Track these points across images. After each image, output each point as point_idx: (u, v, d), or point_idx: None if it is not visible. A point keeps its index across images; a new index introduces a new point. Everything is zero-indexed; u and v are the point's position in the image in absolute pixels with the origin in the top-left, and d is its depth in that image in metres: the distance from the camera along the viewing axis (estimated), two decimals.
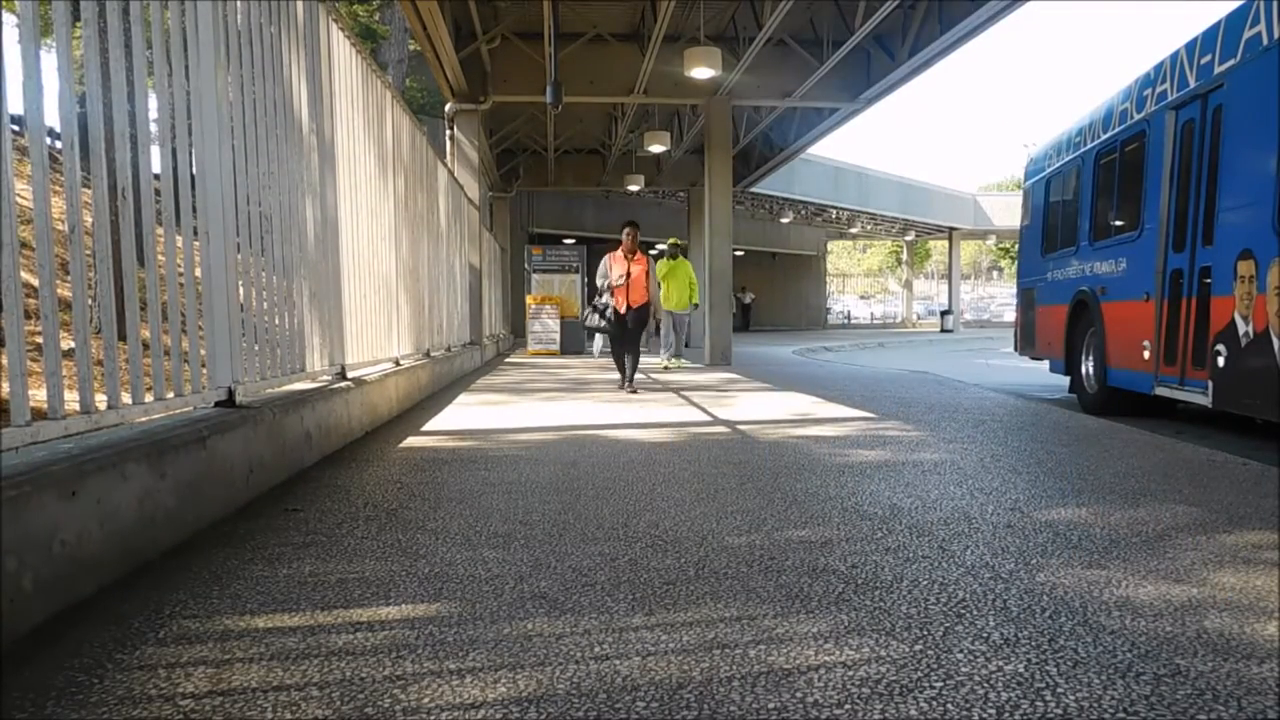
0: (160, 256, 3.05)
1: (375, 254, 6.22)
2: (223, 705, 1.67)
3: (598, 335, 8.75)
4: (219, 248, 3.41)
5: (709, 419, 6.42)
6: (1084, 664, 1.86)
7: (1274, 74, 5.24)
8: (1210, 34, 6.13)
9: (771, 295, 40.02)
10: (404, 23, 18.90)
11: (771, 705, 1.67)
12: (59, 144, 2.75)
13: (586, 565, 2.59)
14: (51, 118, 9.13)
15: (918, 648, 1.95)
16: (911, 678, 1.79)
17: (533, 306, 17.05)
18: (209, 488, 3.05)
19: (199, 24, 3.32)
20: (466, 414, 6.68)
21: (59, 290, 2.63)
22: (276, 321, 4.09)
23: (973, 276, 76.89)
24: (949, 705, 1.67)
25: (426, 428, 5.83)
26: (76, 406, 2.48)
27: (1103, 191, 7.94)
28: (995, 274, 79.56)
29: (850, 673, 1.82)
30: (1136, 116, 7.20)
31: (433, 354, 8.70)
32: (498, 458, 4.59)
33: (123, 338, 2.80)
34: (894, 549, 2.77)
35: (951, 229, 37.89)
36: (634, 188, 22.18)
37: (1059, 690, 1.73)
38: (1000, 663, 1.87)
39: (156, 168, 3.09)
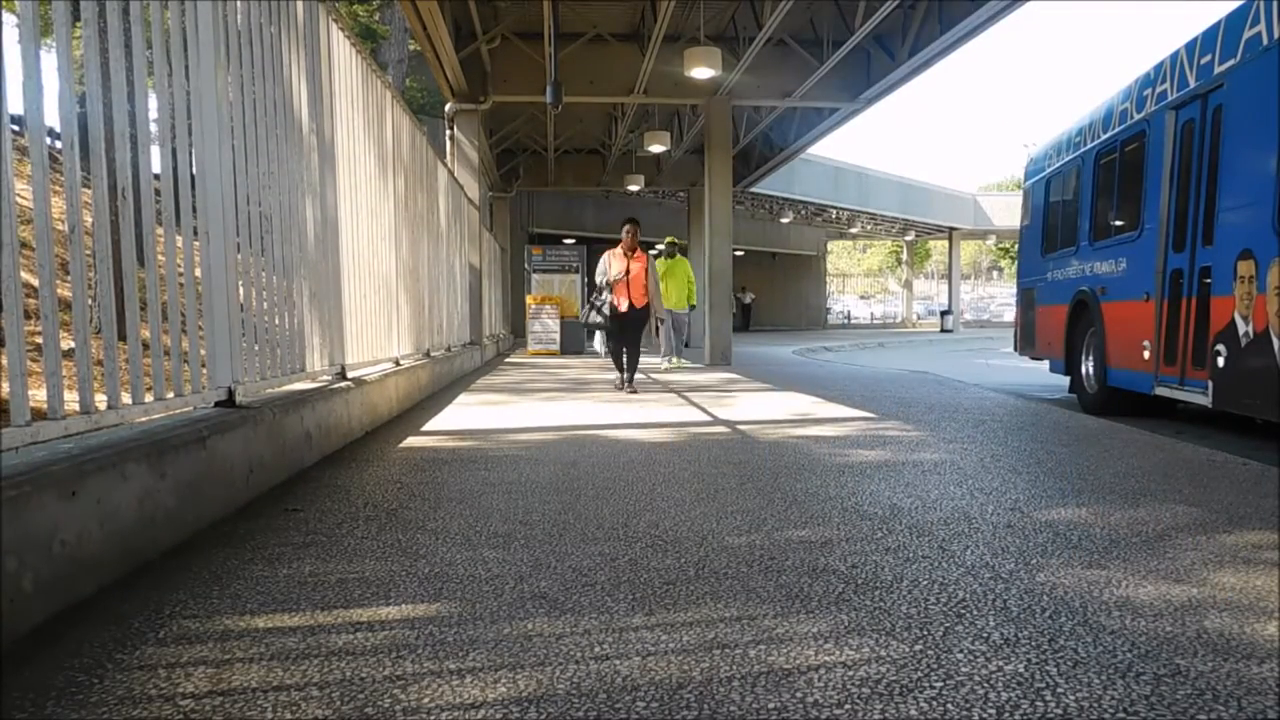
0: (160, 256, 3.05)
1: (375, 254, 6.22)
2: (223, 705, 1.67)
3: (598, 333, 8.69)
4: (219, 248, 3.41)
5: (709, 419, 6.42)
6: (1084, 664, 1.86)
7: (1274, 74, 5.24)
8: (1210, 34, 6.13)
9: (771, 295, 40.03)
10: (404, 23, 18.91)
11: (771, 705, 1.67)
12: (59, 144, 2.75)
13: (586, 565, 2.59)
14: (51, 118, 9.12)
15: (918, 648, 1.95)
16: (911, 678, 1.79)
17: (533, 306, 17.05)
18: (209, 488, 3.05)
19: (199, 24, 3.32)
20: (466, 414, 6.68)
21: (59, 290, 2.63)
22: (276, 321, 4.09)
23: (973, 276, 76.90)
24: (949, 705, 1.67)
25: (426, 428, 5.83)
26: (76, 406, 2.48)
27: (1103, 191, 7.94)
28: (995, 274, 79.57)
29: (850, 673, 1.82)
30: (1136, 116, 7.20)
31: (433, 354, 8.70)
32: (498, 458, 4.59)
33: (123, 338, 2.80)
34: (894, 549, 2.77)
35: (951, 229, 37.89)
36: (634, 188, 22.18)
37: (1059, 690, 1.73)
38: (1000, 663, 1.87)
39: (156, 168, 3.09)
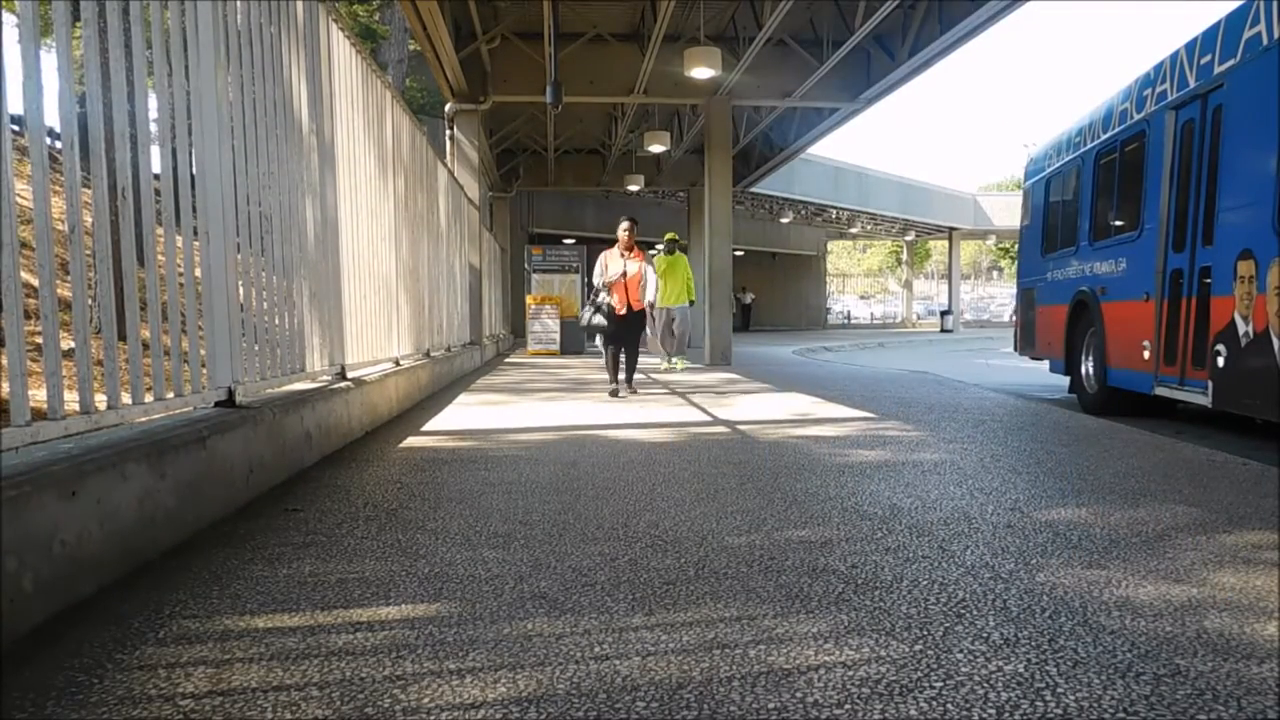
0: (160, 256, 3.05)
1: (375, 254, 6.22)
2: (223, 705, 1.67)
3: (599, 335, 8.58)
4: (219, 248, 3.41)
5: (709, 419, 6.42)
6: (1084, 664, 1.86)
7: (1274, 74, 5.24)
8: (1210, 34, 6.13)
9: (771, 295, 40.02)
10: (404, 23, 18.90)
11: (771, 705, 1.67)
12: (59, 144, 2.75)
13: (586, 565, 2.59)
14: (51, 118, 9.12)
15: (918, 648, 1.95)
16: (911, 678, 1.79)
17: (533, 306, 17.04)
18: (209, 488, 3.05)
19: (199, 24, 3.32)
20: (466, 414, 6.68)
21: (59, 290, 2.63)
22: (276, 321, 4.09)
23: (973, 276, 76.89)
24: (949, 705, 1.67)
25: (426, 428, 5.83)
26: (76, 406, 2.48)
27: (1103, 191, 7.94)
28: (995, 274, 79.56)
29: (850, 673, 1.82)
30: (1136, 116, 7.20)
31: (433, 354, 8.70)
32: (498, 458, 4.59)
33: (123, 338, 2.80)
34: (894, 549, 2.77)
35: (951, 229, 37.89)
36: (634, 188, 22.18)
37: (1059, 690, 1.73)
38: (1000, 663, 1.87)
39: (156, 168, 3.09)
